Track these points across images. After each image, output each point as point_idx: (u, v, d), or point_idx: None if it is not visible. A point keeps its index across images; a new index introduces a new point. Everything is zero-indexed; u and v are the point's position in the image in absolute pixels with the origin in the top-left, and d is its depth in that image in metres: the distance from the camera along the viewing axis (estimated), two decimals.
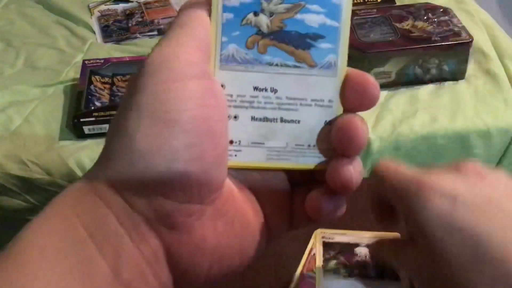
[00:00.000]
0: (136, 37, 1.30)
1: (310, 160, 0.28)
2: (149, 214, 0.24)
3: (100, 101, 1.05)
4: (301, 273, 0.60)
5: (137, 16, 1.38)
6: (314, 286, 0.58)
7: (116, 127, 0.25)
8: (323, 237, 0.64)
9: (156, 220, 0.24)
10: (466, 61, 1.08)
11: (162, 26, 1.33)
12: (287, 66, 0.27)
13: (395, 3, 1.28)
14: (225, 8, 0.26)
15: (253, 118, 0.27)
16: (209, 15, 0.26)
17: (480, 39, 1.15)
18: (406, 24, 1.09)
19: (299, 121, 0.27)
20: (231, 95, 0.27)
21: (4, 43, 1.27)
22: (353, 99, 0.27)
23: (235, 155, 0.27)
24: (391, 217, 0.34)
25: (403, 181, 0.30)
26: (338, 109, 0.27)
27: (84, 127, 1.01)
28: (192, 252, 0.25)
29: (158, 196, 0.24)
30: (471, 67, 1.11)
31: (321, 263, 0.62)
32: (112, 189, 0.24)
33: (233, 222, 0.27)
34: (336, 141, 0.27)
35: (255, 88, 0.27)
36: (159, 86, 0.24)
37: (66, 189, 0.25)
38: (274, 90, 0.27)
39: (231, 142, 0.27)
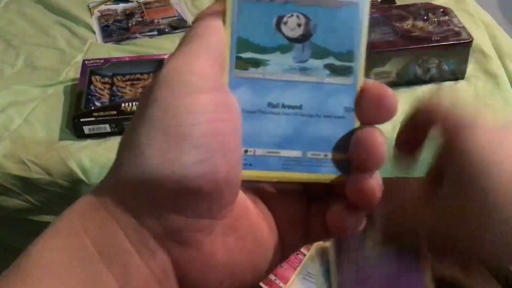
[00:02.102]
0: (136, 37, 1.30)
1: (327, 171, 0.27)
2: (158, 230, 0.24)
3: (100, 101, 1.05)
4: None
5: (137, 16, 1.38)
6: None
7: (127, 140, 0.25)
8: None
9: (165, 235, 0.24)
10: (466, 61, 1.08)
11: (162, 26, 1.33)
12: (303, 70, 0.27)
13: (395, 3, 1.28)
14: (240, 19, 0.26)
15: (268, 127, 0.27)
16: (224, 25, 0.26)
17: (480, 39, 1.15)
18: (406, 24, 1.09)
19: (315, 131, 0.27)
20: (245, 108, 0.26)
21: (4, 43, 1.27)
22: (370, 111, 0.27)
23: (250, 164, 0.26)
24: (413, 149, 0.31)
25: (459, 114, 0.28)
26: (354, 120, 0.27)
27: (84, 127, 1.01)
28: (201, 268, 0.25)
29: (167, 212, 0.24)
30: (471, 67, 1.11)
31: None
32: (121, 204, 0.24)
33: (245, 238, 0.26)
34: (355, 155, 0.26)
35: (270, 101, 0.26)
36: (172, 100, 0.24)
37: (75, 203, 0.25)
38: (289, 100, 0.26)
39: (246, 151, 0.26)
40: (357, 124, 0.27)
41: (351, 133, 0.27)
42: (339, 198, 0.27)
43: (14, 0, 1.43)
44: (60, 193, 0.98)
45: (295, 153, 0.27)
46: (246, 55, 0.26)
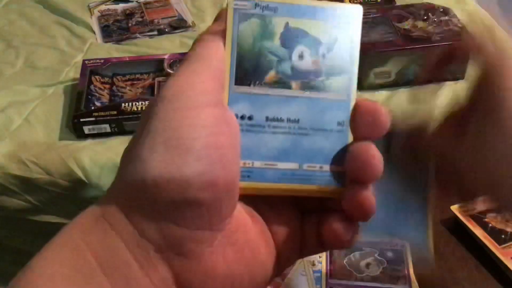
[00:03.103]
0: (136, 37, 1.30)
1: (323, 182, 0.28)
2: (159, 241, 0.24)
3: (100, 101, 1.05)
4: None
5: (137, 16, 1.38)
6: None
7: (130, 151, 0.25)
8: None
9: (165, 247, 0.24)
10: (466, 61, 1.08)
11: (162, 26, 1.33)
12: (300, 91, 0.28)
13: (395, 3, 1.28)
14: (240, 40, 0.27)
15: (266, 140, 0.27)
16: (224, 45, 0.27)
17: None
18: (406, 24, 1.09)
19: (311, 144, 0.28)
20: (244, 119, 0.27)
21: (4, 43, 1.27)
22: (364, 126, 0.28)
23: (248, 176, 0.27)
24: (440, 69, 0.33)
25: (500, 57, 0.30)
26: (349, 134, 0.28)
27: (84, 127, 1.01)
28: (201, 279, 0.25)
29: (168, 223, 0.24)
30: (471, 67, 1.11)
31: None
32: (122, 215, 0.24)
33: (243, 250, 0.27)
34: (352, 169, 0.27)
35: (268, 115, 0.27)
36: (173, 114, 0.24)
37: (77, 216, 0.25)
38: (287, 114, 0.27)
39: (244, 163, 0.27)
40: (351, 138, 0.28)
41: (346, 146, 0.28)
42: (333, 211, 0.28)
43: (14, 0, 1.43)
44: (60, 193, 0.98)
45: (292, 165, 0.28)
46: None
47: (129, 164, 0.25)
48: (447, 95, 1.09)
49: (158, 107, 0.25)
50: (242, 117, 0.27)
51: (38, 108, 1.08)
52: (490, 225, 0.66)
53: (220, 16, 0.28)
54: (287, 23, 0.27)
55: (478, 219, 0.66)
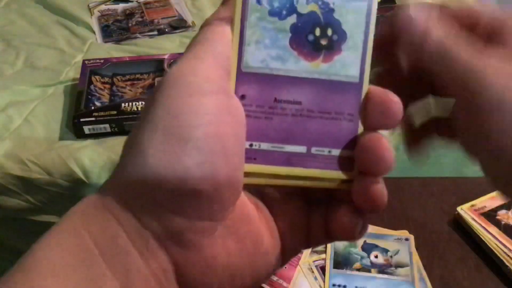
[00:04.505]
0: (136, 37, 1.30)
1: (330, 167, 0.27)
2: (159, 231, 0.24)
3: (100, 101, 1.05)
4: None
5: (137, 16, 1.38)
6: None
7: (131, 140, 0.25)
8: None
9: (165, 237, 0.24)
10: None
11: (162, 26, 1.34)
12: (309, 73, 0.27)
13: (395, 3, 1.28)
14: (248, 23, 0.26)
15: (274, 122, 0.27)
16: (232, 30, 0.26)
17: None
18: None
19: (320, 128, 0.27)
20: (252, 103, 0.27)
21: (4, 43, 1.27)
22: (375, 116, 0.27)
23: (254, 159, 0.27)
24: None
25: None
26: (359, 119, 0.27)
27: (84, 127, 1.01)
28: (202, 270, 0.25)
29: (168, 213, 0.24)
30: None
31: None
32: (122, 204, 0.24)
33: (245, 241, 0.26)
34: (363, 160, 0.26)
35: (276, 97, 0.27)
36: (174, 101, 0.24)
37: (78, 203, 0.25)
38: (295, 96, 0.27)
39: (251, 145, 0.27)
40: (361, 123, 0.27)
41: (356, 131, 0.27)
42: (341, 202, 0.27)
43: (14, 0, 1.44)
44: (60, 193, 0.98)
45: (300, 149, 0.27)
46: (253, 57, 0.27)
47: (129, 152, 0.24)
48: None
49: (159, 94, 0.24)
50: (250, 99, 0.26)
51: (38, 108, 1.08)
52: (503, 222, 0.65)
53: (228, 0, 0.27)
54: (297, 2, 0.26)
55: (491, 217, 0.66)
